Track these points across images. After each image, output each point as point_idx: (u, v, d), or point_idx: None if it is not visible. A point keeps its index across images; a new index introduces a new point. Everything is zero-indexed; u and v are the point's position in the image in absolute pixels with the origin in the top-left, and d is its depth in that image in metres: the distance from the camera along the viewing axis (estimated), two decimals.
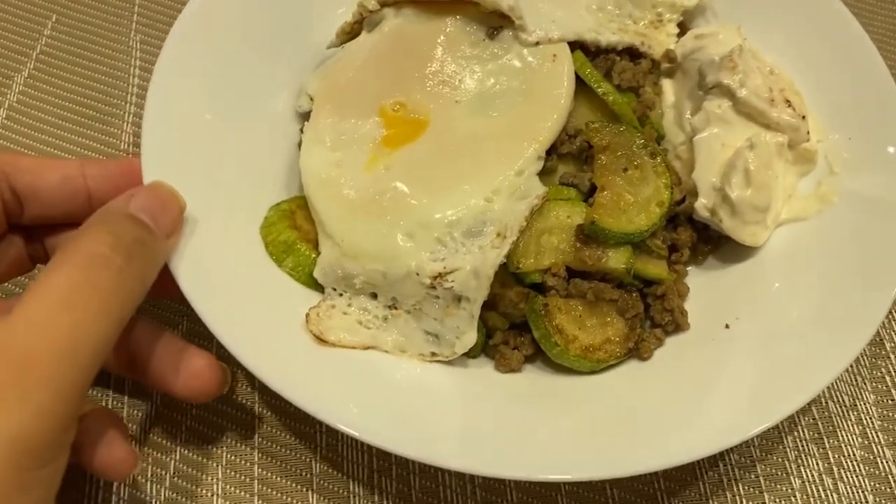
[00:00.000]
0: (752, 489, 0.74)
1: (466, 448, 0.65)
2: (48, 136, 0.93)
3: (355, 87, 0.80)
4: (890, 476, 0.75)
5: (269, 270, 0.74)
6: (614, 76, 0.80)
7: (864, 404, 0.78)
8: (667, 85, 0.85)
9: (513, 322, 0.74)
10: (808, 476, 0.75)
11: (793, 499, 0.73)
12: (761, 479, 0.74)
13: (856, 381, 0.80)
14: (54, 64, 0.99)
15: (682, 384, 0.70)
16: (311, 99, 0.82)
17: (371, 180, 0.75)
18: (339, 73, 0.82)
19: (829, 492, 0.74)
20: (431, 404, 0.69)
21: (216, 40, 0.81)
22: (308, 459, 0.74)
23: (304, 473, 0.73)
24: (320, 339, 0.69)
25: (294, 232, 0.75)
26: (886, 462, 0.75)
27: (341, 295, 0.73)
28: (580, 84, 0.78)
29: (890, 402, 0.79)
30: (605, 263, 0.71)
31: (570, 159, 0.78)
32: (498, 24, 0.79)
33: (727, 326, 0.72)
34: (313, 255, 0.74)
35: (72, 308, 0.54)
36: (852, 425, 0.77)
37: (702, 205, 0.76)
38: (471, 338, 0.70)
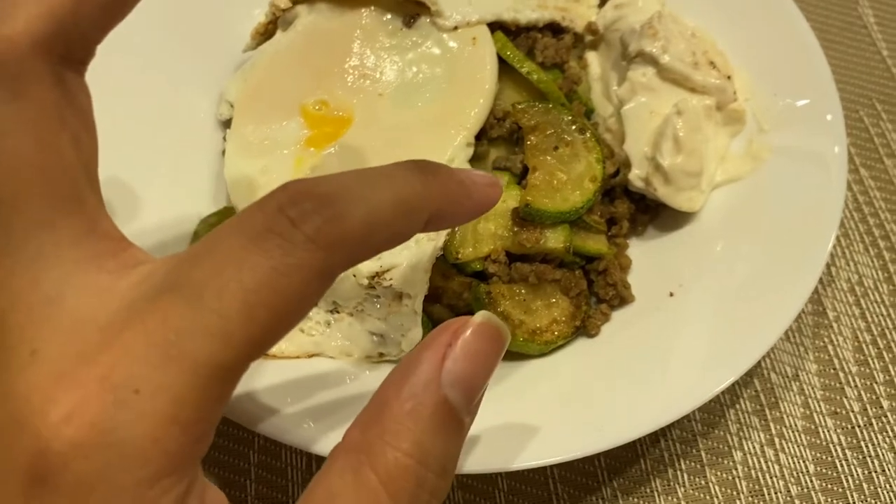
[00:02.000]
0: (694, 464, 0.74)
1: None
2: None
3: (274, 89, 0.78)
4: (831, 445, 0.75)
5: None
6: (537, 54, 0.79)
7: (807, 374, 0.78)
8: (592, 58, 0.84)
9: (458, 313, 0.72)
10: (749, 448, 0.74)
11: (734, 471, 0.73)
12: (703, 453, 0.74)
13: (798, 351, 0.79)
14: None
15: (632, 356, 0.69)
16: (232, 105, 0.80)
17: None
18: (257, 75, 0.79)
19: (770, 463, 0.74)
20: None
21: (130, 53, 0.79)
22: (245, 465, 0.73)
23: (242, 480, 0.72)
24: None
25: None
26: (827, 431, 0.75)
27: None
28: (504, 65, 0.77)
29: (832, 370, 0.78)
30: (544, 244, 0.70)
31: (501, 143, 0.77)
32: (414, 11, 0.78)
33: (671, 294, 0.72)
34: None
35: None
36: (794, 395, 0.77)
37: (635, 175, 0.76)
38: (416, 334, 0.69)
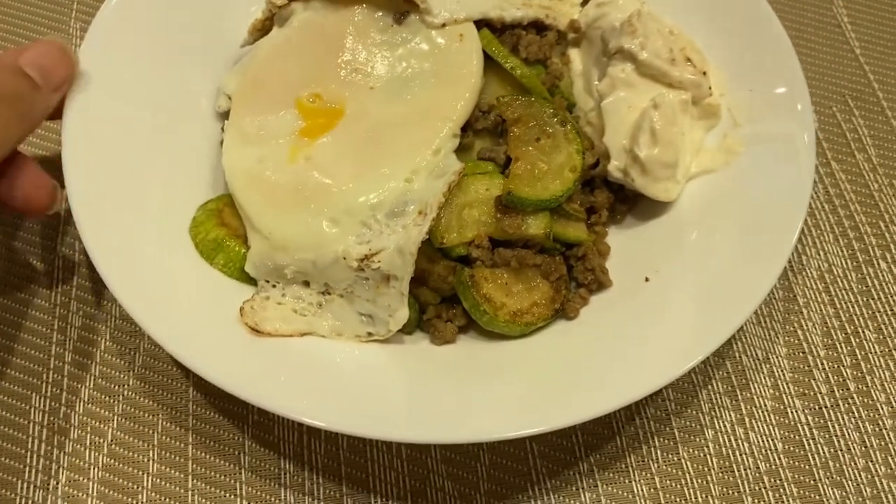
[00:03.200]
0: (667, 441, 0.76)
1: (412, 420, 0.67)
2: None
3: (271, 83, 0.82)
4: (799, 424, 0.78)
5: (200, 269, 0.76)
6: (521, 50, 0.83)
7: (777, 357, 0.81)
8: (574, 54, 0.87)
9: (444, 296, 0.76)
10: (721, 427, 0.77)
11: (706, 449, 0.76)
12: (676, 431, 0.77)
13: (769, 335, 0.82)
14: None
15: (608, 336, 0.73)
16: (230, 98, 0.83)
17: (293, 172, 0.76)
18: (254, 69, 0.83)
19: (740, 441, 0.76)
20: (373, 382, 0.72)
21: (132, 45, 0.82)
22: (240, 439, 0.76)
23: (235, 452, 0.75)
24: (256, 331, 0.71)
25: (223, 229, 0.77)
26: (796, 411, 0.78)
27: (274, 286, 0.75)
28: (489, 61, 0.81)
29: (801, 354, 0.81)
30: (526, 231, 0.74)
31: (485, 134, 0.81)
32: (404, 9, 0.81)
33: (647, 280, 0.76)
34: (243, 251, 0.76)
35: None
36: (765, 377, 0.80)
37: (614, 166, 0.79)
38: (403, 314, 0.72)
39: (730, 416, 0.78)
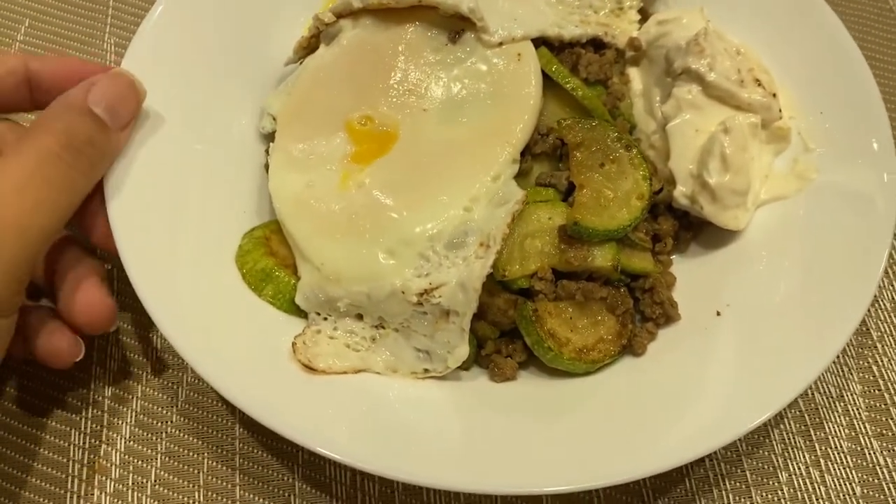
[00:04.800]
0: (739, 484, 0.73)
1: (468, 467, 0.64)
2: None
3: (319, 104, 0.78)
4: (877, 467, 0.74)
5: (248, 300, 0.72)
6: (581, 70, 0.79)
7: (851, 395, 0.77)
8: (633, 73, 0.84)
9: (503, 330, 0.72)
10: (795, 469, 0.74)
11: (780, 493, 0.73)
12: (748, 473, 0.73)
13: (842, 371, 0.79)
14: None
15: (680, 376, 0.69)
16: (274, 119, 0.80)
17: (345, 199, 0.73)
18: (301, 90, 0.79)
19: (816, 484, 0.73)
20: (428, 422, 0.68)
21: (172, 63, 0.79)
22: (289, 479, 0.72)
23: (285, 494, 0.72)
24: (309, 368, 0.68)
25: (271, 259, 0.73)
26: (874, 453, 0.75)
27: (326, 319, 0.72)
28: (548, 81, 0.77)
29: (877, 392, 0.78)
30: (592, 262, 0.70)
31: (544, 158, 0.77)
32: (459, 27, 0.77)
33: (718, 314, 0.72)
34: (293, 281, 0.73)
35: (23, 194, 0.61)
36: (839, 416, 0.76)
37: (681, 192, 0.76)
38: (463, 351, 0.69)
39: (804, 457, 0.74)
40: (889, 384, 0.78)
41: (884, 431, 0.76)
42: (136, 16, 1.02)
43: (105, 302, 0.69)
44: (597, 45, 0.83)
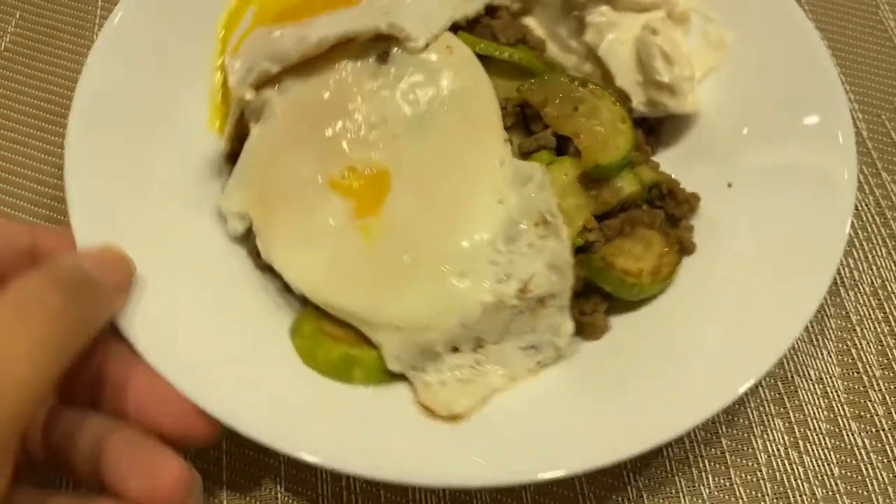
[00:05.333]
0: (717, 465, 0.74)
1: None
2: (10, 132, 0.93)
3: (288, 181, 0.74)
4: (855, 448, 0.75)
5: (345, 395, 0.68)
6: (500, 37, 0.81)
7: (830, 377, 0.78)
8: (531, 23, 0.87)
9: (577, 292, 0.74)
10: (774, 451, 0.74)
11: (759, 473, 0.73)
12: (727, 455, 0.74)
13: (821, 354, 0.80)
14: (18, 60, 0.99)
15: (653, 358, 0.70)
16: (242, 216, 0.74)
17: (381, 252, 0.70)
18: (259, 176, 0.74)
19: (795, 465, 0.74)
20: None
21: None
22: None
23: None
24: (454, 418, 0.65)
25: (339, 344, 0.69)
26: (852, 434, 0.75)
27: (425, 370, 0.69)
28: (479, 58, 0.78)
29: (856, 374, 0.79)
30: (623, 192, 0.73)
31: (514, 130, 0.78)
32: (382, 47, 0.76)
33: (730, 185, 0.78)
34: (374, 352, 0.69)
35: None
36: (818, 399, 0.77)
37: (639, 102, 0.81)
38: (568, 326, 0.69)
39: (783, 438, 0.75)
40: (868, 367, 0.79)
41: (862, 413, 0.77)
42: None
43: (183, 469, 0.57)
44: (490, 11, 0.85)
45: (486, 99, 0.75)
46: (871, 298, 0.83)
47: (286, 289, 0.73)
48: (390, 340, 0.68)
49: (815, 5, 0.99)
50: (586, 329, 0.73)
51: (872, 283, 0.84)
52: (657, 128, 0.85)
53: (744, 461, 0.74)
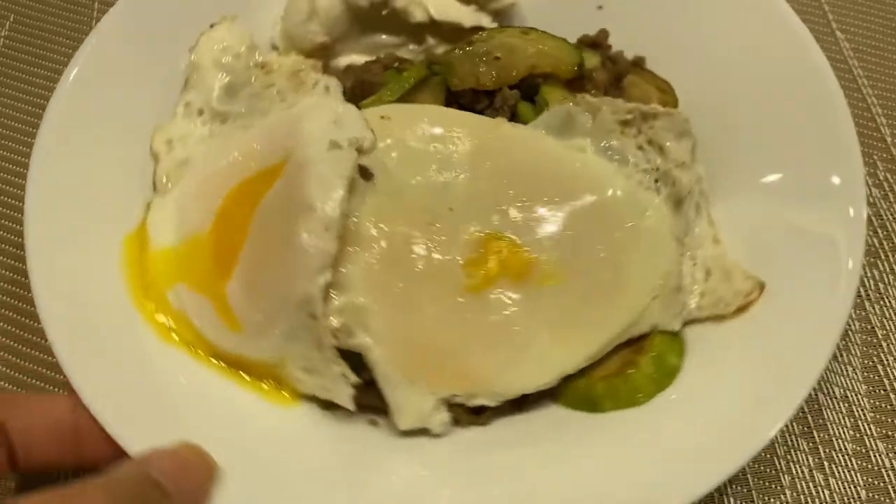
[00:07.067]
0: (741, 488, 0.69)
1: None
2: (4, 140, 0.90)
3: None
4: (883, 469, 0.70)
5: None
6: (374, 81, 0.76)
7: (855, 395, 0.73)
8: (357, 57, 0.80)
9: None
10: (798, 472, 0.70)
11: (783, 496, 0.69)
12: (749, 477, 0.70)
13: (846, 370, 0.74)
14: (11, 65, 0.96)
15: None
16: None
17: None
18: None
19: (820, 488, 0.69)
20: None
21: None
22: None
23: None
24: None
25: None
26: (879, 455, 0.70)
27: None
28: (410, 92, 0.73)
29: (882, 392, 0.73)
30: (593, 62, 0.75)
31: (523, 102, 0.73)
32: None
33: None
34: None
35: None
36: (843, 418, 0.72)
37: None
38: None
39: (807, 460, 0.71)
40: (895, 383, 0.74)
41: (889, 433, 0.72)
42: None
43: None
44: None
45: (466, 132, 0.69)
46: None
47: None
48: None
49: (836, 6, 0.95)
50: None
51: None
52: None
53: (767, 484, 0.69)
